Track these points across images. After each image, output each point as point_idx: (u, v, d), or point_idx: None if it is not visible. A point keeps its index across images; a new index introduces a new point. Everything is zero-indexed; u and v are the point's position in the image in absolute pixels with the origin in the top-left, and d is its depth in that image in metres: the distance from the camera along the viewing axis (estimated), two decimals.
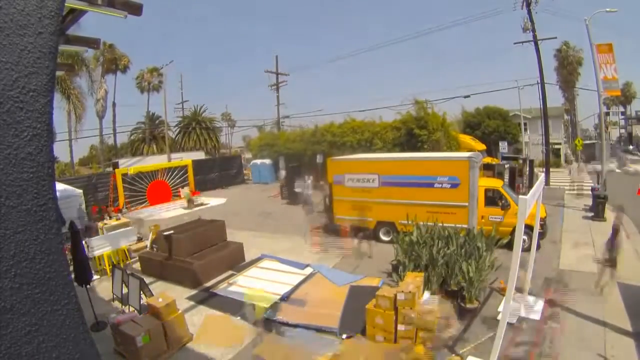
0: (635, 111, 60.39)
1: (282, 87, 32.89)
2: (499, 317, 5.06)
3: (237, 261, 9.36)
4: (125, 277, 7.13)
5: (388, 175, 10.42)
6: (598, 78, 14.09)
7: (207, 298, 7.55)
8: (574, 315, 6.10)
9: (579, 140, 27.13)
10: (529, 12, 20.10)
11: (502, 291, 6.92)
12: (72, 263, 6.46)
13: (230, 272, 8.91)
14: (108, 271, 8.99)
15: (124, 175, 18.96)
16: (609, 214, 12.06)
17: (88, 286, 6.74)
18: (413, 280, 5.97)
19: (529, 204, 5.09)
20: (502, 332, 4.75)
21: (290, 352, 5.40)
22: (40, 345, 1.10)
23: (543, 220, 8.87)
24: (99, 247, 9.24)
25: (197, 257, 8.57)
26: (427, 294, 5.94)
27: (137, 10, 4.03)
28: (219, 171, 25.66)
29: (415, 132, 19.30)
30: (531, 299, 6.69)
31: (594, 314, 6.06)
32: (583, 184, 18.30)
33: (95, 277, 8.65)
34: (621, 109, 63.74)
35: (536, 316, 6.16)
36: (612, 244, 8.01)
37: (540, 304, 6.53)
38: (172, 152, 30.09)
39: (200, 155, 30.26)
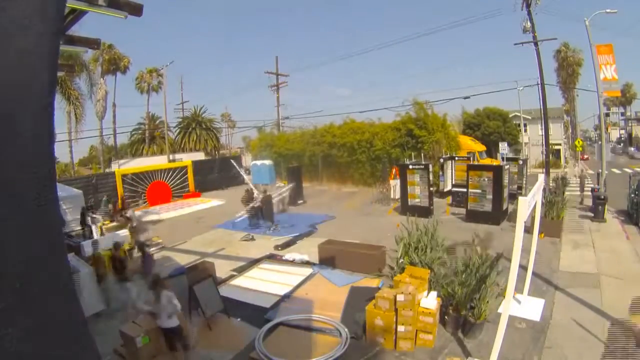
0: (635, 112, 60.42)
1: (282, 87, 32.96)
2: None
3: None
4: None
5: None
6: (598, 79, 14.11)
7: None
8: (574, 315, 6.10)
9: (578, 141, 27.14)
10: (529, 13, 20.14)
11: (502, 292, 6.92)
12: None
13: (231, 272, 8.92)
14: (108, 271, 8.97)
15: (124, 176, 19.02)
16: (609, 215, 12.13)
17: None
18: (412, 280, 5.95)
19: (529, 205, 5.10)
20: (502, 333, 4.75)
21: None
22: (41, 345, 1.10)
23: None
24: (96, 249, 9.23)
25: None
26: (433, 294, 5.88)
27: (137, 10, 4.04)
28: (219, 172, 25.65)
29: (415, 133, 19.31)
30: (531, 299, 6.70)
31: (595, 313, 6.07)
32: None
33: None
34: (621, 109, 63.82)
35: (536, 317, 6.16)
36: None
37: (540, 304, 6.54)
38: (172, 152, 30.14)
39: (199, 156, 30.28)
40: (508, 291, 4.87)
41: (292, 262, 9.39)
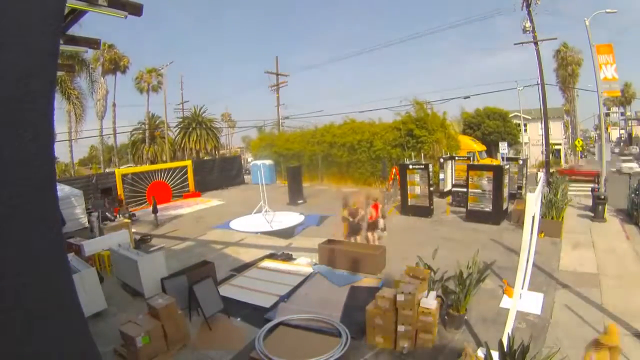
0: (635, 112, 60.44)
1: (282, 87, 32.96)
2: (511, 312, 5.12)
3: None
4: None
5: None
6: (598, 79, 14.09)
7: None
8: (575, 314, 6.11)
9: (578, 141, 27.17)
10: (529, 13, 20.17)
11: (505, 291, 6.93)
12: None
13: (230, 272, 8.92)
14: (108, 271, 8.99)
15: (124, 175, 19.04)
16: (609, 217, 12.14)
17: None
18: (412, 280, 5.94)
19: (535, 202, 5.18)
20: (511, 326, 4.82)
21: None
22: (42, 344, 1.10)
23: None
24: (94, 250, 9.26)
25: None
26: (433, 294, 5.90)
27: (137, 10, 4.05)
28: (219, 172, 25.63)
29: (415, 133, 19.31)
30: (530, 293, 6.80)
31: (595, 313, 6.08)
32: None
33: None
34: (621, 109, 63.84)
35: (537, 310, 6.26)
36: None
37: (540, 299, 6.61)
38: (172, 152, 30.11)
39: None
40: (517, 285, 4.96)
41: (292, 262, 9.39)
